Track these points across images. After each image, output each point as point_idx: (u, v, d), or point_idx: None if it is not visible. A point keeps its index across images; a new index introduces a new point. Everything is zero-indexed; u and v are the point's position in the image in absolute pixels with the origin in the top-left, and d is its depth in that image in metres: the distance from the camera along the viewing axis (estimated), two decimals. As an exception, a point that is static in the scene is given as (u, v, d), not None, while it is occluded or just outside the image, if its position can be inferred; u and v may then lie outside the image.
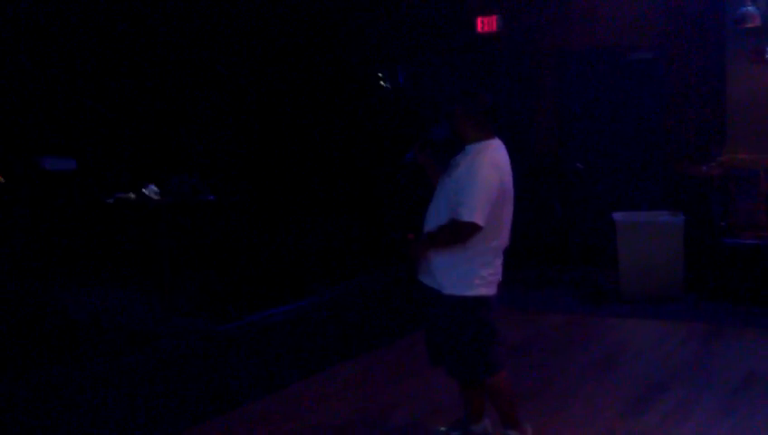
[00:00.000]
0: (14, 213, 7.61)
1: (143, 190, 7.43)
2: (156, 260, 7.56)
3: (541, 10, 9.95)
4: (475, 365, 4.27)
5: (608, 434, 4.77)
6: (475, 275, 4.17)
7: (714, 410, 5.10)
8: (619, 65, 9.80)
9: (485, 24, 9.97)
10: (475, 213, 4.04)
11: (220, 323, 6.99)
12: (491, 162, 4.17)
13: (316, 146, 9.93)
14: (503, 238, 4.26)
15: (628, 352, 6.62)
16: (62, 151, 8.17)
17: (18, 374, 5.68)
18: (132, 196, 7.51)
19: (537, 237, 9.65)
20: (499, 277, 4.30)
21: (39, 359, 5.97)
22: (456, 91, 4.60)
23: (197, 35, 9.22)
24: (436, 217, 4.27)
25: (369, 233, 9.75)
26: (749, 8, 8.39)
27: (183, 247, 7.94)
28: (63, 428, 4.99)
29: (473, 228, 4.07)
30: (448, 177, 4.25)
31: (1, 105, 7.91)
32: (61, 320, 6.79)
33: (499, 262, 4.29)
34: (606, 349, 6.60)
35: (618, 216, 8.21)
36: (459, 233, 4.11)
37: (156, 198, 7.40)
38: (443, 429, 4.65)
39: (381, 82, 10.12)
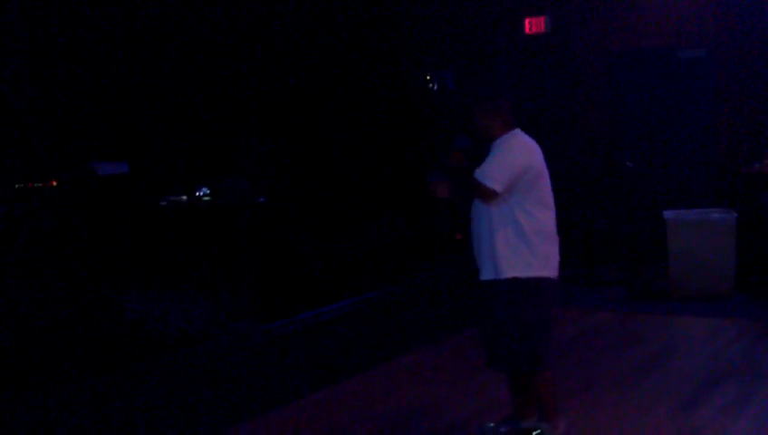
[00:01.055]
0: (69, 218, 7.81)
1: (195, 193, 7.62)
2: (209, 262, 7.74)
3: (589, 10, 9.98)
4: (527, 355, 4.30)
5: (658, 431, 4.82)
6: (528, 255, 4.23)
7: (765, 406, 5.12)
8: (669, 64, 9.79)
9: (533, 24, 10.03)
10: (491, 179, 4.17)
11: (271, 322, 7.14)
12: (519, 143, 4.32)
13: (366, 149, 10.06)
14: (550, 219, 4.33)
15: (678, 349, 6.64)
16: (115, 155, 8.37)
17: (74, 376, 5.87)
18: (184, 198, 7.69)
19: (588, 235, 9.67)
20: (557, 260, 4.36)
21: (94, 361, 6.16)
22: (472, 97, 4.70)
23: (249, 39, 9.39)
24: (480, 218, 4.36)
25: (420, 232, 9.86)
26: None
27: (235, 249, 8.11)
28: (116, 428, 5.18)
29: (489, 192, 4.19)
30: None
31: (55, 109, 8.12)
32: (115, 323, 6.97)
33: (553, 244, 4.35)
34: (656, 346, 6.63)
35: (669, 214, 8.21)
36: (477, 191, 4.24)
37: (207, 199, 7.57)
38: (492, 424, 4.73)
39: (430, 85, 10.22)
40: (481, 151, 4.39)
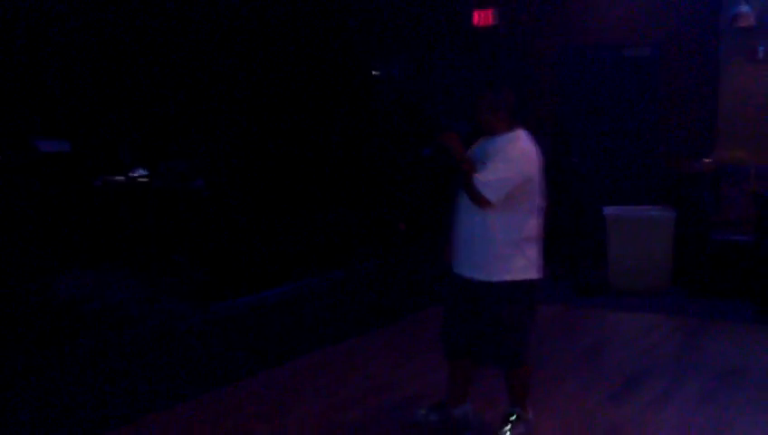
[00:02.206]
0: (12, 195, 7.67)
1: (131, 174, 7.54)
2: (143, 243, 7.66)
3: (538, 5, 10.03)
4: (521, 349, 4.47)
5: (588, 423, 4.87)
6: (523, 258, 4.40)
7: (693, 400, 5.20)
8: (615, 62, 9.87)
9: (482, 17, 10.04)
10: (490, 190, 4.25)
11: (208, 305, 7.06)
12: (522, 151, 4.37)
13: (311, 136, 9.99)
14: (541, 223, 4.49)
15: (613, 343, 6.72)
16: (56, 133, 8.24)
17: (7, 358, 5.76)
18: (121, 179, 7.61)
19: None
20: (542, 261, 4.53)
21: (26, 342, 6.05)
22: (481, 86, 4.75)
23: (193, 23, 9.27)
24: (472, 218, 4.41)
25: (367, 224, 9.82)
26: (743, 8, 8.47)
27: (170, 232, 8.03)
28: (52, 409, 5.08)
29: (484, 202, 4.29)
30: (481, 163, 4.37)
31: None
32: (49, 302, 6.87)
33: (540, 247, 4.51)
34: (591, 340, 6.71)
35: (608, 210, 8.30)
36: (473, 196, 4.31)
37: (144, 181, 7.50)
38: (423, 411, 4.76)
39: (374, 72, 10.17)
40: (476, 138, 4.46)
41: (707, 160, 8.57)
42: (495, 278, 4.39)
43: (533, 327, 4.54)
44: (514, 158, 4.32)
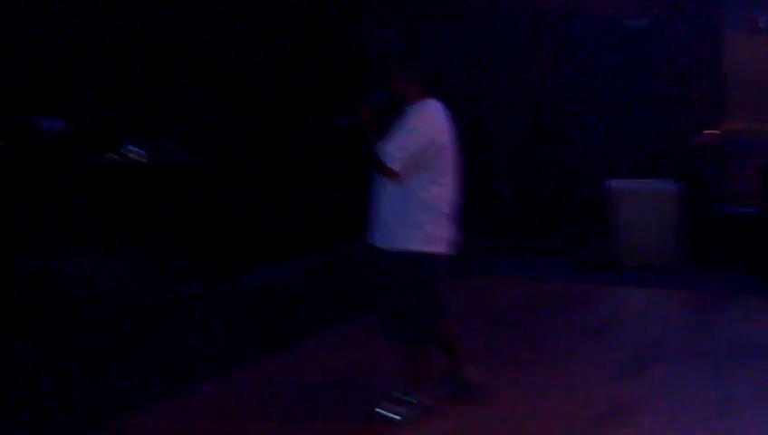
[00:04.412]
0: (12, 173, 7.62)
1: (124, 151, 7.48)
2: (140, 221, 7.61)
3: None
4: (416, 326, 4.33)
5: (596, 401, 4.80)
6: (420, 230, 4.29)
7: (702, 377, 5.13)
8: (615, 34, 9.76)
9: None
10: (391, 159, 4.22)
11: (199, 285, 7.04)
12: (425, 118, 4.33)
13: (307, 114, 9.86)
14: (447, 196, 4.36)
15: (620, 319, 6.66)
16: (49, 112, 8.18)
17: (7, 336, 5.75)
18: (115, 156, 7.55)
19: (531, 204, 9.68)
20: (448, 236, 4.39)
21: (26, 322, 6.03)
22: (393, 52, 4.73)
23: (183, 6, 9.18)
24: (380, 185, 4.38)
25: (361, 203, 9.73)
26: (745, -24, 8.35)
27: (166, 209, 7.97)
28: (56, 388, 5.04)
29: (389, 172, 4.24)
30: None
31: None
32: (46, 282, 6.85)
33: (446, 220, 4.38)
34: (599, 316, 6.63)
35: (613, 183, 8.22)
36: (378, 167, 4.27)
37: (137, 159, 7.45)
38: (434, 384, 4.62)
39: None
40: (396, 108, 4.41)
41: (712, 132, 8.47)
42: (390, 246, 4.34)
43: (436, 304, 4.37)
44: (417, 125, 4.29)
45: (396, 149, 4.22)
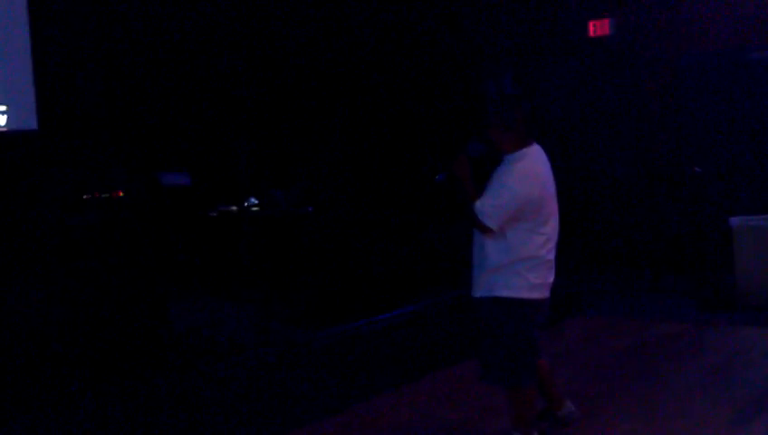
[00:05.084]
0: (134, 228, 7.97)
1: (244, 204, 7.75)
2: (256, 270, 7.83)
3: (654, 12, 9.79)
4: (511, 370, 4.37)
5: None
6: (519, 278, 4.29)
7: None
8: (739, 65, 9.54)
9: (598, 27, 9.89)
10: (488, 217, 4.23)
11: (313, 333, 7.18)
12: (523, 172, 4.29)
13: (417, 158, 9.98)
14: (548, 245, 4.36)
15: (742, 361, 6.48)
16: (173, 166, 8.52)
17: (122, 381, 5.99)
18: (234, 208, 7.82)
19: (651, 243, 9.52)
20: (547, 282, 4.40)
21: (142, 367, 6.27)
22: (492, 100, 4.75)
23: (301, 50, 9.45)
24: (477, 233, 4.40)
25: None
26: None
27: (282, 258, 8.17)
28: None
29: (485, 229, 4.27)
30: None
31: (121, 121, 8.29)
32: (165, 330, 7.10)
33: (543, 268, 4.36)
34: (719, 358, 6.48)
35: (735, 220, 8.02)
36: (474, 223, 4.31)
37: (255, 210, 7.69)
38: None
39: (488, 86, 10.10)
40: (495, 159, 4.43)
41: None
42: (479, 294, 4.38)
43: (531, 349, 4.39)
44: (513, 183, 4.24)
45: (492, 208, 4.23)
